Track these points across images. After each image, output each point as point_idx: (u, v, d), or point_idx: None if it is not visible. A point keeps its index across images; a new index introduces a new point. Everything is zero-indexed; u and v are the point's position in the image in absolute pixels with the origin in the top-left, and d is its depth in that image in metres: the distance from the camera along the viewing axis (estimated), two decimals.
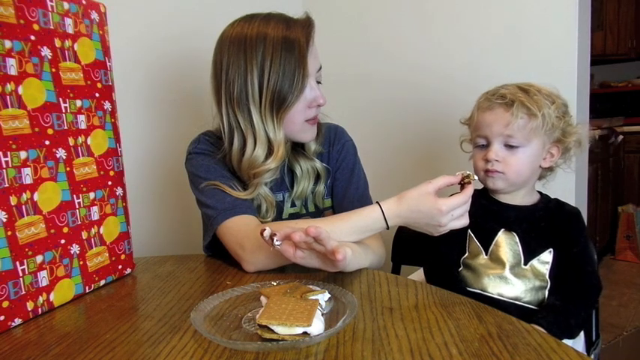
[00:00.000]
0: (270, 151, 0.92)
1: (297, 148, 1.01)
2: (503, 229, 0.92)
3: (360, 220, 0.84)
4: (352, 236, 0.83)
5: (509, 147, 0.89)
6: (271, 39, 0.88)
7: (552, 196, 0.97)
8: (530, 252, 0.90)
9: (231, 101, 0.91)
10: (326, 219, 0.88)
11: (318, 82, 0.96)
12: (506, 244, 0.91)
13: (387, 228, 0.84)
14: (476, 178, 0.84)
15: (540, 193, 0.97)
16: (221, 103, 0.93)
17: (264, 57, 0.88)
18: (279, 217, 1.00)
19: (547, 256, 0.89)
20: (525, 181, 0.92)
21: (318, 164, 1.02)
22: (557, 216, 0.92)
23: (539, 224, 0.91)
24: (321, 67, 0.96)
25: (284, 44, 0.88)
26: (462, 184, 0.83)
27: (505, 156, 0.89)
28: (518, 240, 0.90)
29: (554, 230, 0.90)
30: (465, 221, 0.83)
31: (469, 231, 0.95)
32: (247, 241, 0.84)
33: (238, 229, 0.87)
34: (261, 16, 0.92)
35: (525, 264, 0.90)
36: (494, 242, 0.92)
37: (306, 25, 0.92)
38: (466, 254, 0.95)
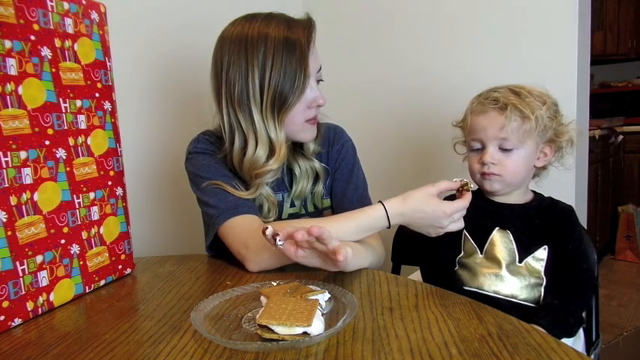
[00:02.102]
0: (271, 152, 0.92)
1: (296, 148, 1.01)
2: (497, 228, 0.92)
3: (364, 219, 0.85)
4: (355, 235, 0.85)
5: (504, 149, 0.90)
6: (272, 39, 0.88)
7: (553, 196, 0.97)
8: (525, 249, 0.90)
9: (232, 101, 0.90)
10: (329, 218, 0.88)
11: (318, 82, 0.96)
12: (501, 242, 0.92)
13: (389, 227, 0.85)
14: (473, 186, 0.89)
15: (534, 192, 0.98)
16: (221, 103, 0.92)
17: (265, 57, 0.88)
18: (278, 218, 1.00)
19: (542, 253, 0.90)
20: (521, 182, 0.94)
21: (316, 164, 1.02)
22: (551, 213, 0.93)
23: (533, 222, 0.92)
24: (321, 68, 0.96)
25: (285, 45, 0.88)
26: (460, 191, 0.88)
27: (500, 158, 0.90)
28: (512, 238, 0.91)
29: (548, 227, 0.91)
30: (460, 224, 0.88)
31: (464, 231, 0.95)
32: (252, 241, 0.84)
33: (242, 229, 0.87)
34: (262, 15, 0.92)
35: (520, 261, 0.90)
36: (488, 241, 0.93)
37: (307, 25, 0.92)
38: (462, 254, 0.96)
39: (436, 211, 0.84)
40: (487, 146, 0.91)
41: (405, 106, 1.58)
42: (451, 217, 0.85)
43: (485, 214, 0.94)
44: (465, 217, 0.95)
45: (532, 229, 0.91)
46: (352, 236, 0.84)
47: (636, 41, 3.75)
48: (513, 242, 0.91)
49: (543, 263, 0.90)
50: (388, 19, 1.60)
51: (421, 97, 1.53)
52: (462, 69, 1.44)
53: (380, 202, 0.85)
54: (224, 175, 0.94)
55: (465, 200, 0.86)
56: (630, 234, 3.07)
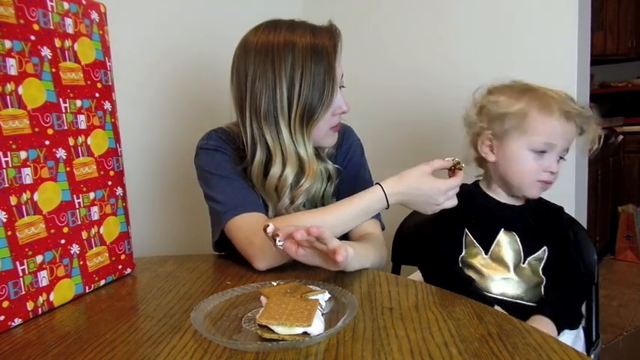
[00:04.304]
0: (301, 170, 0.90)
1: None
2: (503, 229, 0.92)
3: (364, 203, 0.86)
4: (357, 220, 0.86)
5: (560, 158, 0.90)
6: (300, 48, 0.86)
7: (553, 196, 0.97)
8: (528, 250, 0.91)
9: (257, 114, 0.88)
10: (330, 207, 0.88)
11: (341, 88, 0.94)
12: (507, 243, 0.92)
13: (388, 207, 0.87)
14: (463, 165, 0.90)
15: None
16: (244, 115, 0.90)
17: (293, 67, 0.85)
18: None
19: (541, 253, 0.91)
20: None
21: (330, 166, 1.00)
22: (544, 215, 0.94)
23: (531, 223, 0.93)
24: (343, 74, 0.94)
25: (313, 53, 0.86)
26: (452, 169, 0.90)
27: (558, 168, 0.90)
28: (518, 239, 0.91)
29: (543, 228, 0.92)
30: (454, 201, 0.89)
31: (465, 229, 0.95)
32: (257, 238, 0.83)
33: (248, 226, 0.86)
34: (285, 23, 0.90)
35: (524, 262, 0.91)
36: (495, 242, 0.92)
37: (332, 33, 0.90)
38: (463, 252, 0.96)
39: (432, 188, 0.86)
40: (554, 154, 0.88)
41: (404, 107, 1.58)
42: (446, 194, 0.87)
43: (488, 214, 0.94)
44: (468, 216, 0.95)
45: (532, 230, 0.92)
46: (353, 221, 0.85)
47: (636, 41, 3.75)
48: (519, 243, 0.91)
49: (542, 263, 0.90)
50: (388, 20, 1.60)
51: (421, 98, 1.54)
52: (461, 68, 1.44)
53: (377, 183, 0.87)
54: (234, 172, 0.93)
55: (458, 178, 0.88)
56: (630, 234, 3.06)
